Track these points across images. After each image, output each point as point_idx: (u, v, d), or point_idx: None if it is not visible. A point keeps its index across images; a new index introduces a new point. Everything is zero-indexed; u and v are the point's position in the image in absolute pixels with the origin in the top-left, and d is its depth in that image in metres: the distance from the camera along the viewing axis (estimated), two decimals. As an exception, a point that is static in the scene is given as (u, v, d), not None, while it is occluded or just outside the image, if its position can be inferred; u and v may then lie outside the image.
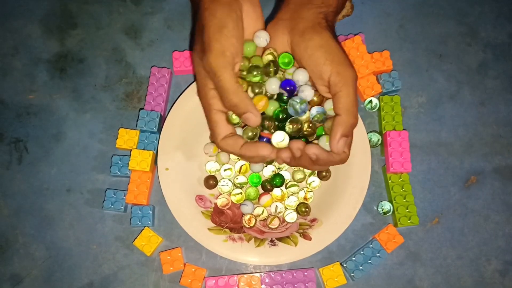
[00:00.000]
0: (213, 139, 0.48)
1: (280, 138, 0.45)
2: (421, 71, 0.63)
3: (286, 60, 0.47)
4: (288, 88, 0.46)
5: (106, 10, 0.65)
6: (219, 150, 0.55)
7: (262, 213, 0.56)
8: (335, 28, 0.49)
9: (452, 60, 0.63)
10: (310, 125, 0.47)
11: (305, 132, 0.47)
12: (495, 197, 0.59)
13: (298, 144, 0.44)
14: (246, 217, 0.55)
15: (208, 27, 0.44)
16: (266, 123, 0.46)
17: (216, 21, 0.44)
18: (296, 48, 0.46)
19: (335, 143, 0.44)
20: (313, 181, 0.57)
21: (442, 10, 0.65)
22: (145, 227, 0.56)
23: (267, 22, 0.49)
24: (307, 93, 0.46)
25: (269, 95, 0.47)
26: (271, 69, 0.47)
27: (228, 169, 0.57)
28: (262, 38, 0.47)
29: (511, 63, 0.63)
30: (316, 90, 0.47)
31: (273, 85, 0.46)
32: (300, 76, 0.46)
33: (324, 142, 0.45)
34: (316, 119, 0.46)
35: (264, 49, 0.48)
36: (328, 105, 0.46)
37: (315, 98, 0.47)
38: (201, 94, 0.47)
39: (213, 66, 0.43)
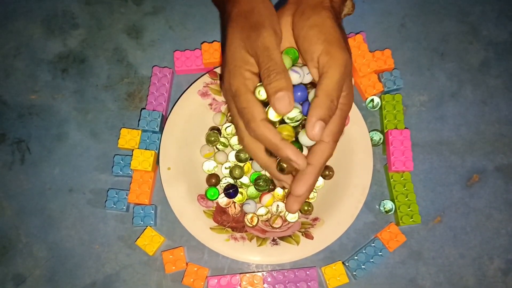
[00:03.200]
0: (249, 121, 0.43)
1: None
2: (423, 70, 0.63)
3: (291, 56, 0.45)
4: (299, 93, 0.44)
5: (108, 10, 0.65)
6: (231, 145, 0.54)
7: (266, 213, 0.56)
8: (341, 11, 0.48)
9: (454, 58, 0.63)
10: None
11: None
12: (497, 195, 0.59)
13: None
14: (249, 216, 0.55)
15: (259, 8, 0.44)
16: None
17: (266, 5, 0.45)
18: (295, 29, 0.45)
19: (310, 127, 0.41)
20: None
21: (443, 9, 0.65)
22: (147, 226, 0.56)
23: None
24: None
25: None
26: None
27: (229, 167, 0.57)
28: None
29: (513, 62, 0.63)
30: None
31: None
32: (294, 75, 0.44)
33: (304, 136, 0.43)
34: (291, 121, 0.43)
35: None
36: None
37: None
38: (234, 75, 0.44)
39: (267, 41, 0.42)
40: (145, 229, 0.56)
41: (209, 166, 0.57)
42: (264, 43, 0.42)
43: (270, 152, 0.45)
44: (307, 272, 0.55)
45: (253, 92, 0.43)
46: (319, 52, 0.43)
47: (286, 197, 0.46)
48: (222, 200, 0.56)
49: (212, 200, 0.56)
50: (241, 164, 0.56)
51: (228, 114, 0.58)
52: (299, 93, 0.44)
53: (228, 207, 0.56)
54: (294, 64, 0.46)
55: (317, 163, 0.43)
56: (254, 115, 0.42)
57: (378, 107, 0.60)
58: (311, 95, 0.43)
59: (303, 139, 0.43)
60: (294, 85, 0.43)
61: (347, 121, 0.57)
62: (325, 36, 0.43)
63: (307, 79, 0.45)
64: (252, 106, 0.43)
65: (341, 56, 0.42)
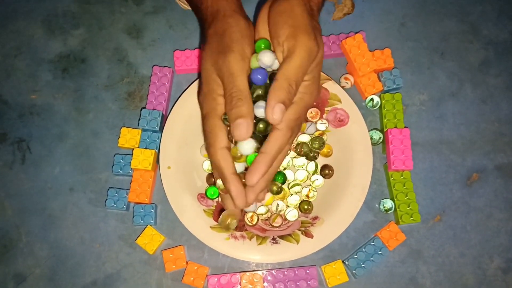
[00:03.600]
0: (210, 145, 0.45)
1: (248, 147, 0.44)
2: (423, 69, 0.63)
3: (262, 46, 0.45)
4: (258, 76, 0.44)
5: (108, 10, 0.65)
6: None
7: (266, 212, 0.56)
8: (319, 6, 0.48)
9: (454, 58, 0.63)
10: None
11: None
12: (497, 194, 0.59)
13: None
14: (248, 215, 0.55)
15: (230, 32, 0.44)
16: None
17: (240, 28, 0.45)
18: (268, 17, 0.45)
19: (270, 110, 0.41)
20: (317, 179, 0.57)
21: (443, 8, 0.65)
22: (147, 225, 0.56)
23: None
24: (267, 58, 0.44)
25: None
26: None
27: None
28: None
29: (513, 61, 0.63)
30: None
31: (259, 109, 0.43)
32: (265, 58, 0.44)
33: (259, 109, 0.42)
34: (259, 130, 0.43)
35: None
36: (311, 129, 0.44)
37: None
38: (206, 98, 0.46)
39: (232, 66, 0.43)
40: (145, 228, 0.56)
41: (209, 165, 0.57)
42: (230, 68, 0.43)
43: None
44: (307, 271, 0.55)
45: (221, 118, 0.44)
46: (284, 36, 0.43)
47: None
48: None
49: (212, 199, 0.56)
50: None
51: None
52: (259, 76, 0.44)
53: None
54: (266, 49, 0.45)
55: (269, 151, 0.43)
56: (215, 141, 0.44)
57: (378, 106, 0.60)
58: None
59: (241, 148, 0.43)
60: (254, 68, 0.44)
61: (347, 120, 0.57)
62: (292, 21, 0.43)
63: (276, 65, 0.45)
64: (216, 132, 0.44)
65: (306, 41, 0.42)
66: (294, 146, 0.57)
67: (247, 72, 0.43)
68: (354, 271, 0.55)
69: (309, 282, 0.54)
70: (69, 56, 0.64)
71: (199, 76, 0.51)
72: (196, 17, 0.60)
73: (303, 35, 0.42)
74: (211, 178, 0.56)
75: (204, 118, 0.46)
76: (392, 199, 0.57)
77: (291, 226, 0.56)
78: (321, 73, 0.52)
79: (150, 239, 0.56)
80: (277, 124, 0.42)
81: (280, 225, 0.56)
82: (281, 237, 0.55)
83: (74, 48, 0.64)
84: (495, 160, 0.60)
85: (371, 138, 0.59)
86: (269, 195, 0.57)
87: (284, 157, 0.47)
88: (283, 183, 0.55)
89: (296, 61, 0.42)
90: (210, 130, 0.45)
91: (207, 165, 0.57)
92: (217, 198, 0.56)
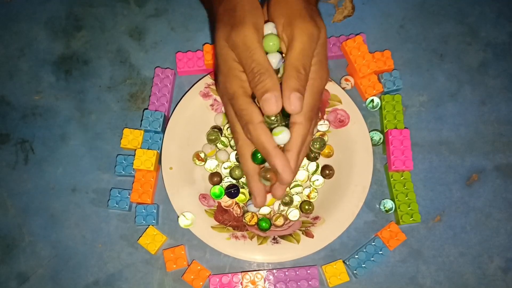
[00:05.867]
0: (247, 123, 0.43)
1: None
2: (422, 71, 0.63)
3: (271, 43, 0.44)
4: None
5: (111, 12, 0.66)
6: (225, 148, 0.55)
7: (269, 212, 0.57)
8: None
9: (453, 59, 0.64)
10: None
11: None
12: (497, 195, 0.59)
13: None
14: (248, 216, 0.56)
15: (241, 5, 0.43)
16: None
17: (249, 0, 0.44)
18: (268, 13, 0.45)
19: (286, 101, 0.40)
20: (317, 180, 0.57)
21: (442, 10, 0.66)
22: (149, 225, 0.56)
23: None
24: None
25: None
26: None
27: (228, 167, 0.57)
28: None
29: (511, 63, 0.64)
30: None
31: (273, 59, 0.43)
32: (273, 59, 0.43)
33: (277, 137, 0.43)
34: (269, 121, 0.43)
35: None
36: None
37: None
38: (228, 78, 0.44)
39: (248, 39, 0.41)
40: (148, 228, 0.56)
41: (211, 164, 0.58)
42: (245, 41, 0.41)
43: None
44: (308, 271, 0.55)
45: (250, 95, 0.43)
46: (281, 26, 0.42)
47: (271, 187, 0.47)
48: (226, 201, 0.57)
49: (217, 199, 0.56)
50: None
51: None
52: None
53: (231, 208, 0.57)
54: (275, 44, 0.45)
55: (294, 147, 0.43)
56: (252, 117, 0.43)
57: (378, 107, 0.61)
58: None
59: (277, 139, 0.43)
60: None
61: (347, 120, 0.58)
62: (286, 9, 0.42)
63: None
64: (250, 108, 0.43)
65: (302, 25, 0.42)
66: None
67: (261, 42, 0.42)
68: (355, 271, 0.55)
69: (310, 282, 0.55)
70: (72, 57, 0.64)
71: (215, 61, 0.49)
72: (202, 2, 0.59)
73: (298, 20, 0.42)
74: (213, 178, 0.57)
75: (232, 98, 0.44)
76: (393, 200, 0.58)
77: (292, 226, 0.56)
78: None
79: (152, 239, 0.56)
80: (298, 112, 0.41)
81: (282, 225, 0.56)
82: (282, 237, 0.56)
83: (77, 50, 0.64)
84: (494, 161, 0.60)
85: (372, 139, 0.59)
86: (270, 196, 0.57)
87: (308, 146, 0.47)
88: None
89: (298, 46, 0.41)
90: (243, 108, 0.43)
91: (209, 164, 0.58)
92: (221, 199, 0.56)
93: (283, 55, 0.45)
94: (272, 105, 0.41)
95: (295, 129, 0.43)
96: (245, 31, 0.41)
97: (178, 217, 0.55)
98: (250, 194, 0.56)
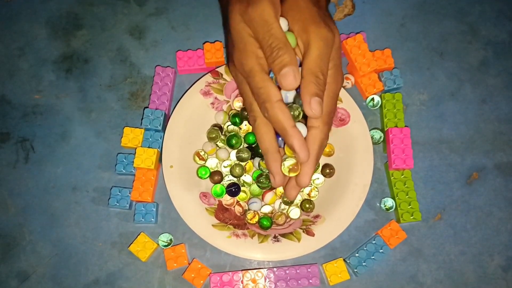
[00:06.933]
0: (264, 101, 0.42)
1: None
2: (423, 69, 0.63)
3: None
4: None
5: (111, 11, 0.66)
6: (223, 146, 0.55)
7: (271, 211, 0.57)
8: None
9: (453, 58, 0.64)
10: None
11: None
12: (497, 193, 0.59)
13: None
14: (250, 215, 0.56)
15: None
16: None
17: None
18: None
19: (307, 106, 0.41)
20: (317, 178, 0.57)
21: (443, 9, 0.66)
22: (140, 232, 0.56)
23: None
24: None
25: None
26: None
27: (228, 165, 0.57)
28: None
29: (511, 61, 0.64)
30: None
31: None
32: (289, 95, 0.44)
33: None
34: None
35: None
36: None
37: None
38: (245, 54, 0.43)
39: (265, 14, 0.41)
40: (139, 235, 0.56)
41: (212, 163, 0.58)
42: (263, 16, 0.41)
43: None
44: (309, 269, 0.55)
45: (268, 72, 0.43)
46: (296, 33, 0.42)
47: (284, 187, 0.48)
48: (227, 199, 0.57)
49: (218, 198, 0.56)
50: (242, 163, 0.57)
51: (235, 106, 0.59)
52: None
53: (232, 207, 0.57)
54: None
55: (312, 152, 0.43)
56: (270, 95, 0.42)
57: (379, 106, 0.61)
58: None
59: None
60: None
61: (348, 119, 0.58)
62: (299, 15, 0.42)
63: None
64: (268, 86, 0.42)
65: (317, 31, 0.41)
66: None
67: (278, 17, 0.42)
68: (356, 269, 0.55)
69: (310, 280, 0.55)
70: (72, 56, 0.64)
71: (229, 38, 0.47)
72: None
73: (312, 25, 0.42)
74: (214, 176, 0.57)
75: (248, 76, 0.43)
76: (393, 198, 0.58)
77: (293, 225, 0.56)
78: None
79: (143, 246, 0.56)
80: (319, 117, 0.42)
81: (283, 223, 0.56)
82: (283, 235, 0.56)
83: (77, 49, 0.64)
84: (494, 159, 0.60)
85: (372, 137, 0.59)
86: (271, 194, 0.57)
87: (324, 149, 0.47)
88: None
89: (315, 52, 0.41)
90: (260, 85, 0.42)
91: (210, 163, 0.58)
92: (222, 197, 0.56)
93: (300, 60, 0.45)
94: (290, 80, 0.40)
95: (313, 133, 0.43)
96: (263, 6, 0.41)
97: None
98: (266, 177, 0.54)
